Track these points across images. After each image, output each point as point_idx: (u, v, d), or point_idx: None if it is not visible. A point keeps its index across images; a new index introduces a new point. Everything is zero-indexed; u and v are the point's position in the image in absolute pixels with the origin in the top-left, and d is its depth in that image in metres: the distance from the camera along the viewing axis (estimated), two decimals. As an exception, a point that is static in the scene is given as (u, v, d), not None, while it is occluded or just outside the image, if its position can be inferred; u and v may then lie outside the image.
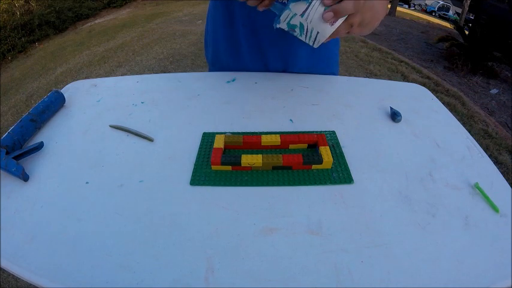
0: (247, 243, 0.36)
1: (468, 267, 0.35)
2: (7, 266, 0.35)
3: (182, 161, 0.48)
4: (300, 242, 0.37)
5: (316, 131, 0.53)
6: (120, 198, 0.42)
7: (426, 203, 0.42)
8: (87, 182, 0.44)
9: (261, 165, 0.45)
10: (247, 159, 0.45)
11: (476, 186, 0.44)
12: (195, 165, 0.47)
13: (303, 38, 0.41)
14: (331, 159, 0.45)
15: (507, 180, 0.45)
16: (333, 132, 0.53)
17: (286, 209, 0.41)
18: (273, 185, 0.44)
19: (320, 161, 0.45)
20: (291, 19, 0.39)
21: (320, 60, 0.72)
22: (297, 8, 0.39)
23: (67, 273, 0.34)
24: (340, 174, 0.45)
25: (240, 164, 0.45)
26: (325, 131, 0.53)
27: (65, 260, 0.35)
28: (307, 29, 0.40)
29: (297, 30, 0.40)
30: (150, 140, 0.52)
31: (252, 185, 0.44)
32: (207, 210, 0.40)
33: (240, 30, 0.67)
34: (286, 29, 0.40)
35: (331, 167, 0.46)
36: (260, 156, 0.45)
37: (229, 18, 0.67)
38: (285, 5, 0.40)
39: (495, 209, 0.41)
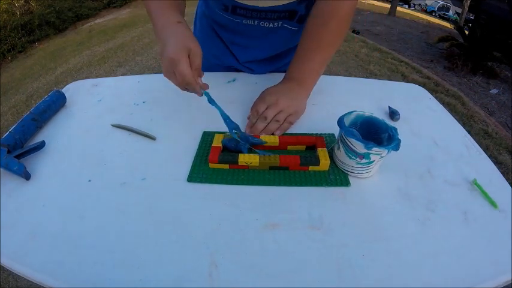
0: (249, 239, 0.37)
1: (468, 261, 0.35)
2: (9, 264, 0.35)
3: (185, 159, 0.48)
4: (302, 237, 0.37)
5: (315, 133, 0.53)
6: (122, 196, 0.42)
7: (425, 199, 0.42)
8: (89, 180, 0.45)
9: (258, 164, 0.45)
10: (244, 158, 0.45)
11: (475, 183, 0.44)
12: (193, 162, 0.47)
13: (359, 165, 0.44)
14: (329, 161, 0.45)
15: (507, 180, 0.46)
16: (332, 135, 0.53)
17: (288, 205, 0.41)
18: (269, 184, 0.44)
19: (317, 163, 0.45)
20: (378, 155, 0.42)
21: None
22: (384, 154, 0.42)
23: (69, 270, 0.34)
24: (337, 176, 0.45)
25: (237, 162, 0.45)
26: (324, 134, 0.53)
27: (67, 258, 0.35)
28: (372, 165, 0.43)
29: (364, 160, 0.42)
30: (152, 138, 0.52)
31: (248, 183, 0.44)
32: (209, 206, 0.41)
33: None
34: (361, 153, 0.42)
35: (328, 169, 0.46)
36: (257, 155, 0.46)
37: (214, 32, 0.71)
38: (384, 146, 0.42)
39: (493, 204, 0.41)
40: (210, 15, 0.70)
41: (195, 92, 0.48)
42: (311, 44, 0.55)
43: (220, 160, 0.45)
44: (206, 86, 0.49)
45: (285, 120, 0.53)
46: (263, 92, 0.56)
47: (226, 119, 0.49)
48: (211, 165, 0.46)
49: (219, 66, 0.76)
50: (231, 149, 0.48)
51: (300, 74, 0.57)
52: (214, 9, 0.64)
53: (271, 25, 0.62)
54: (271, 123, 0.52)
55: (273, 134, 0.52)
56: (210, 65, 0.75)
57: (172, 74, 0.46)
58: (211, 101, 0.48)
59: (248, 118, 0.54)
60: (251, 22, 0.61)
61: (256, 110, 0.53)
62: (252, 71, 0.73)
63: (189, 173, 0.45)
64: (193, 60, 0.46)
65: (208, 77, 0.70)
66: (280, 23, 0.62)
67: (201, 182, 0.44)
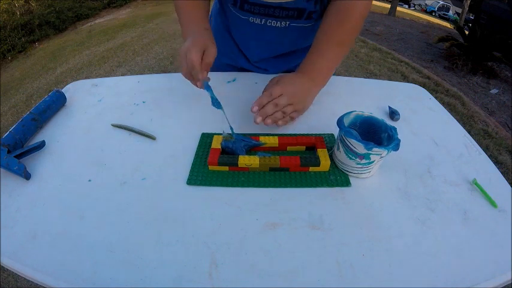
0: (250, 238, 0.37)
1: (468, 261, 0.35)
2: (9, 263, 0.35)
3: (185, 159, 0.48)
4: (302, 236, 0.37)
5: (315, 134, 0.53)
6: (123, 195, 0.42)
7: (425, 198, 0.42)
8: (89, 180, 0.45)
9: (258, 166, 0.45)
10: (244, 160, 0.45)
11: (475, 183, 0.44)
12: (192, 165, 0.47)
13: (359, 165, 0.44)
14: (329, 161, 0.45)
15: (507, 180, 0.46)
16: (332, 135, 0.53)
17: (288, 205, 0.41)
18: (269, 186, 0.44)
19: (317, 164, 0.45)
20: (378, 156, 0.42)
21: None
22: (384, 154, 0.42)
23: (69, 270, 0.34)
24: (337, 176, 0.45)
25: (237, 164, 0.45)
26: (324, 134, 0.53)
27: (68, 257, 0.35)
28: (372, 165, 0.43)
29: (364, 160, 0.42)
30: (152, 138, 0.52)
31: (248, 185, 0.44)
32: (209, 206, 0.41)
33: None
34: (361, 153, 0.42)
35: (329, 170, 0.46)
36: (257, 157, 0.45)
37: (227, 28, 0.72)
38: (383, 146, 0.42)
39: (493, 204, 0.42)
40: (222, 12, 0.70)
41: (197, 80, 0.52)
42: (326, 41, 0.56)
43: (220, 162, 0.45)
44: (208, 78, 0.53)
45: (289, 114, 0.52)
46: (281, 78, 0.55)
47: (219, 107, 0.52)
48: (211, 167, 0.46)
49: (232, 67, 0.75)
50: (229, 151, 0.48)
51: (313, 73, 0.56)
52: (226, 4, 0.65)
53: (278, 24, 0.62)
54: (278, 112, 0.51)
55: (275, 123, 0.51)
56: (222, 64, 0.75)
57: (184, 59, 0.51)
58: (207, 88, 0.52)
59: (252, 110, 0.52)
60: (258, 21, 0.61)
61: (270, 92, 0.51)
62: (265, 71, 0.72)
63: (189, 176, 0.45)
64: (206, 56, 0.51)
65: (209, 76, 0.70)
66: (287, 22, 0.61)
67: (200, 184, 0.44)
